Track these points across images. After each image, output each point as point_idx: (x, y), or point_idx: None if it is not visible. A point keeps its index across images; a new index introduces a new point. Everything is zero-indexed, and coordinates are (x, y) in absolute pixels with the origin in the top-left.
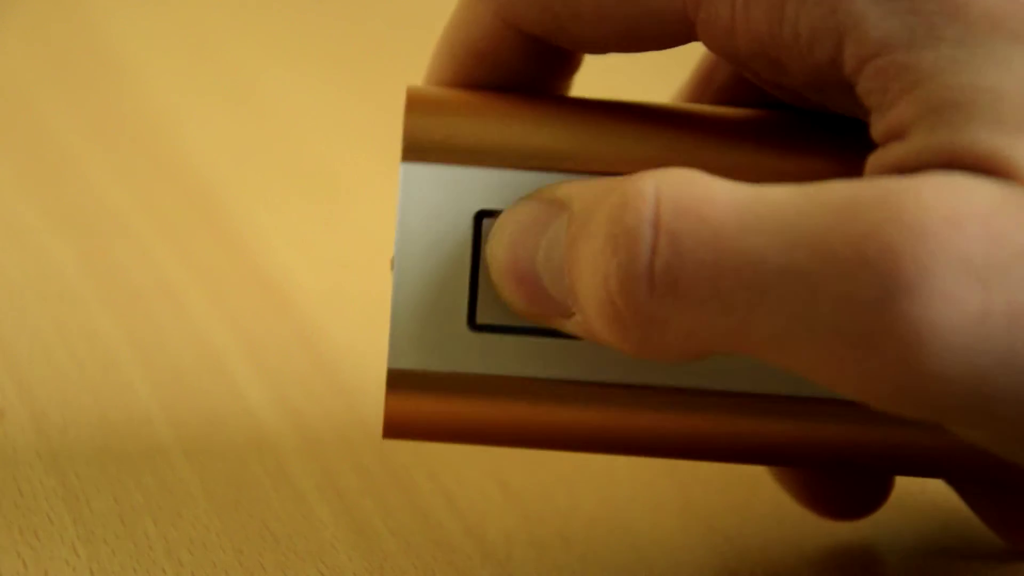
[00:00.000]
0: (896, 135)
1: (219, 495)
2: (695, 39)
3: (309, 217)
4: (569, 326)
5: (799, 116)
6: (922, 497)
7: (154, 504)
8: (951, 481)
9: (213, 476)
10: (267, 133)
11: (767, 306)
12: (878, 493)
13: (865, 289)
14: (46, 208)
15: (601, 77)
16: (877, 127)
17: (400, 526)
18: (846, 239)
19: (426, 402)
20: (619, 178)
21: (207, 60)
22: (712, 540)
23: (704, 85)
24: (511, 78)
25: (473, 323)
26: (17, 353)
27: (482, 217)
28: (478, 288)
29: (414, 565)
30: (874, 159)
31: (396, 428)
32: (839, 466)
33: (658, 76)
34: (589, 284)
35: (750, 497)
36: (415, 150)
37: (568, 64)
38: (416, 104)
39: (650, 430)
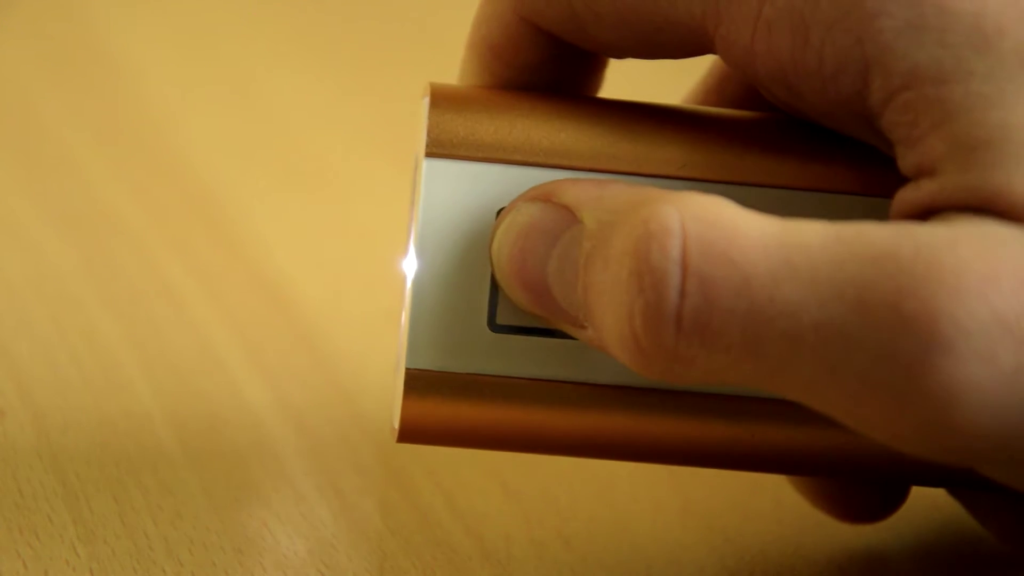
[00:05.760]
0: (926, 171)
1: (219, 495)
2: (713, 52)
3: (309, 217)
4: (578, 334)
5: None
6: (923, 500)
7: (154, 504)
8: (954, 487)
9: (213, 476)
10: (266, 133)
11: (800, 356)
12: (894, 496)
13: (902, 346)
14: (46, 208)
15: (609, 76)
16: (906, 160)
17: (400, 526)
18: (884, 296)
19: (444, 405)
20: (632, 194)
21: (206, 59)
22: (712, 540)
23: (716, 93)
24: (534, 78)
25: (493, 324)
26: (17, 353)
27: None
28: (499, 288)
29: (414, 565)
30: (903, 195)
31: (412, 432)
32: (856, 475)
33: (665, 79)
34: (610, 314)
35: (750, 497)
36: (438, 145)
37: (592, 65)
38: (440, 100)
39: (677, 436)
